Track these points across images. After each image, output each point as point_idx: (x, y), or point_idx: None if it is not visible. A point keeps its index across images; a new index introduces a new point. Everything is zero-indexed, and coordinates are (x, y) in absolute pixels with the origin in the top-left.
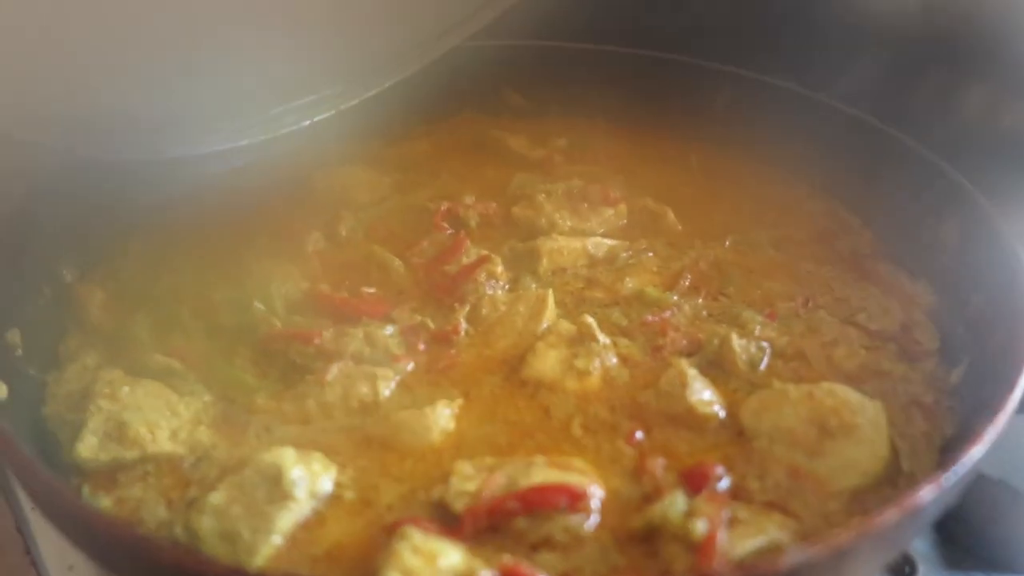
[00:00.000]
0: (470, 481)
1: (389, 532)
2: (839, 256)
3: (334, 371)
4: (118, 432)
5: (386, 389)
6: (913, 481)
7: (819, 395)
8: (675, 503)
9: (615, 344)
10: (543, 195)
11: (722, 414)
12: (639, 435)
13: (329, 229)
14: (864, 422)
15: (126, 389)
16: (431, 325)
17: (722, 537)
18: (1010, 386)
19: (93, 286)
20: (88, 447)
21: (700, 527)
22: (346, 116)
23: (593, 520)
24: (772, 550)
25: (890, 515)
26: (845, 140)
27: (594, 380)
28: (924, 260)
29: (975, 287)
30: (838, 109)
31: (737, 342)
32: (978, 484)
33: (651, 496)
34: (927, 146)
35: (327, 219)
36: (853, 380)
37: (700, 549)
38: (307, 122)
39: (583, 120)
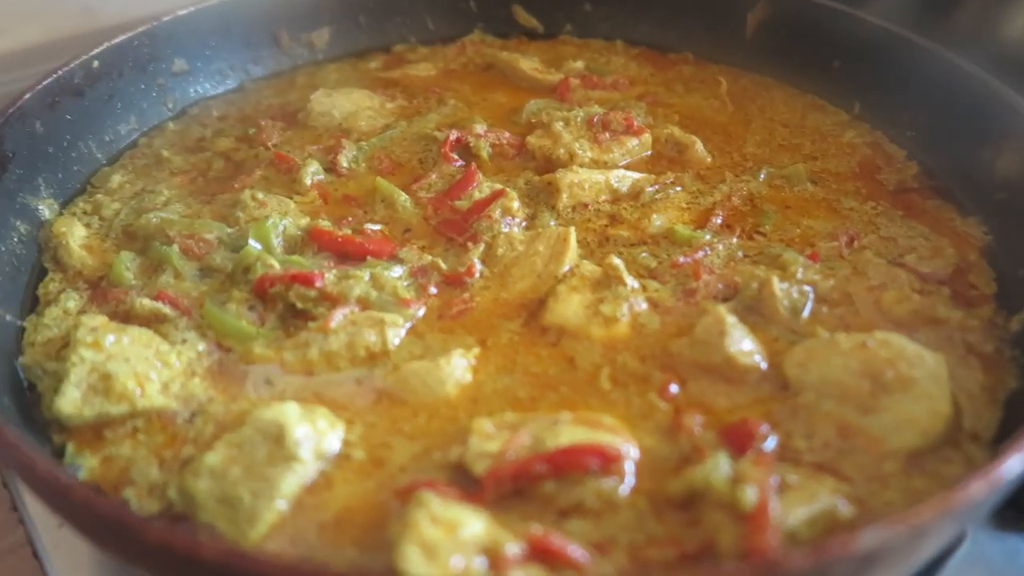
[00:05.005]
0: (491, 440)
1: (403, 496)
2: (883, 191)
3: (338, 317)
4: (103, 385)
5: (395, 337)
6: (977, 441)
7: (872, 345)
8: (718, 466)
9: (644, 287)
10: (561, 123)
11: (763, 365)
12: (673, 388)
13: (328, 159)
14: (922, 375)
15: (111, 337)
16: (443, 266)
17: (774, 506)
18: None
19: (73, 222)
20: (70, 402)
21: (750, 495)
22: (342, 36)
23: (627, 484)
24: (825, 517)
25: (976, 488)
26: (887, 61)
27: (622, 327)
28: (978, 196)
29: None
30: (879, 26)
31: (778, 286)
32: None
33: (689, 457)
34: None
35: (326, 148)
36: (904, 328)
37: (751, 520)
38: None
39: (600, 41)
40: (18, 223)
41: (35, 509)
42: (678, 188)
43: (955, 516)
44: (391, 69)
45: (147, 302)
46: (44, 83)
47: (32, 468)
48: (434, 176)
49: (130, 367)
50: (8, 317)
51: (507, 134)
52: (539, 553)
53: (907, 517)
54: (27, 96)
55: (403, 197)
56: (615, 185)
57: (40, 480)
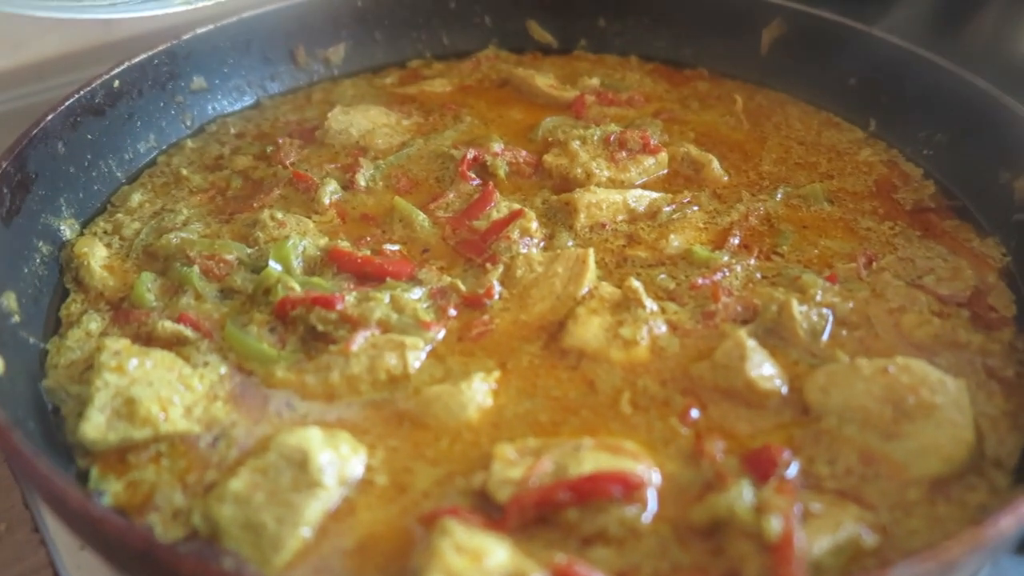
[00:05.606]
0: (513, 467)
1: (427, 523)
2: (900, 210)
3: (359, 340)
4: (127, 409)
5: (416, 360)
6: (1000, 467)
7: (894, 371)
8: (741, 494)
9: (663, 310)
10: (577, 142)
11: (784, 390)
12: (694, 413)
13: (346, 178)
14: (945, 402)
15: (135, 361)
16: (462, 287)
17: (799, 536)
18: None
19: (94, 242)
20: (94, 427)
21: (775, 526)
22: (358, 52)
23: (650, 511)
24: (850, 546)
25: (1006, 523)
26: (903, 79)
27: (642, 350)
28: (996, 216)
29: None
30: (894, 44)
31: (798, 309)
32: None
33: (712, 483)
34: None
35: (343, 166)
36: (925, 351)
37: (777, 551)
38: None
39: (614, 56)
40: (40, 244)
41: (57, 530)
42: (695, 208)
43: (984, 551)
44: (407, 84)
45: (169, 324)
46: (66, 103)
47: (64, 500)
48: (451, 195)
49: (153, 391)
50: (32, 340)
51: (524, 152)
52: None
53: (937, 553)
54: (50, 117)
55: (421, 217)
56: (632, 205)
57: (72, 512)
